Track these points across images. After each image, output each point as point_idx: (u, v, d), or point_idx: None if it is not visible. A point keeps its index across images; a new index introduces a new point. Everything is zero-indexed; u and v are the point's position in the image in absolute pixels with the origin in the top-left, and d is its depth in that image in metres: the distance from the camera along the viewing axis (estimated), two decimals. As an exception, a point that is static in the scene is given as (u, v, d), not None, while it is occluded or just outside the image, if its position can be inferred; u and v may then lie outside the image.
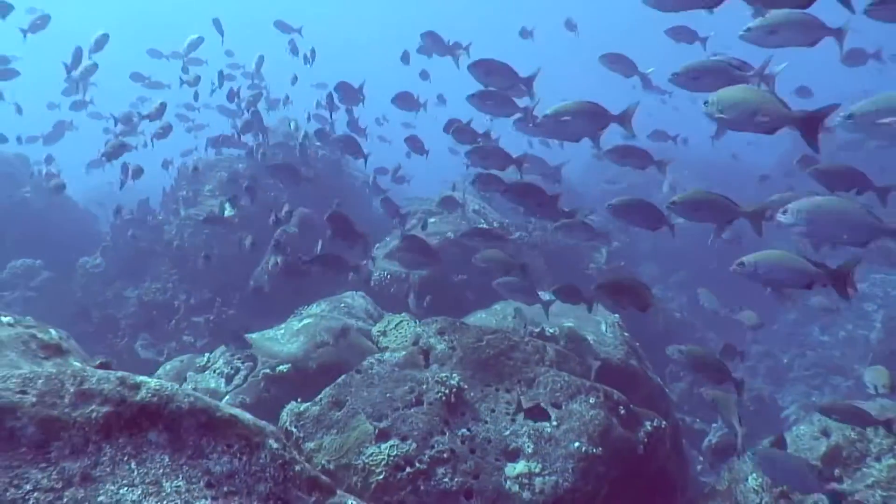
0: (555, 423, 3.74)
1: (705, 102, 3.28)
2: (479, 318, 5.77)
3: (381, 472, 3.44)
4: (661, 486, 4.25)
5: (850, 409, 3.64)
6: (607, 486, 3.67)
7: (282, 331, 5.68)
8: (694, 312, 10.41)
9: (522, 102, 4.87)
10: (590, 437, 3.66)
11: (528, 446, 3.63)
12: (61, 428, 1.79)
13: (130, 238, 9.30)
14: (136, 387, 1.96)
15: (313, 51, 8.64)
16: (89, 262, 9.40)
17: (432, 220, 8.36)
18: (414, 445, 3.55)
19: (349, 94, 6.93)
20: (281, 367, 5.04)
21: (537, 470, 3.51)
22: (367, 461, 3.49)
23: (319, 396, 3.92)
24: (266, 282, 8.36)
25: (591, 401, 3.85)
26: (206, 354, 5.60)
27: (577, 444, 3.62)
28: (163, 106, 7.17)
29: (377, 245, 8.48)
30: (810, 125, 2.99)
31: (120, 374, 1.99)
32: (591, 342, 5.15)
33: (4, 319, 2.40)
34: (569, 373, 4.08)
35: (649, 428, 4.00)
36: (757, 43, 3.61)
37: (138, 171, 7.14)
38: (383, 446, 3.55)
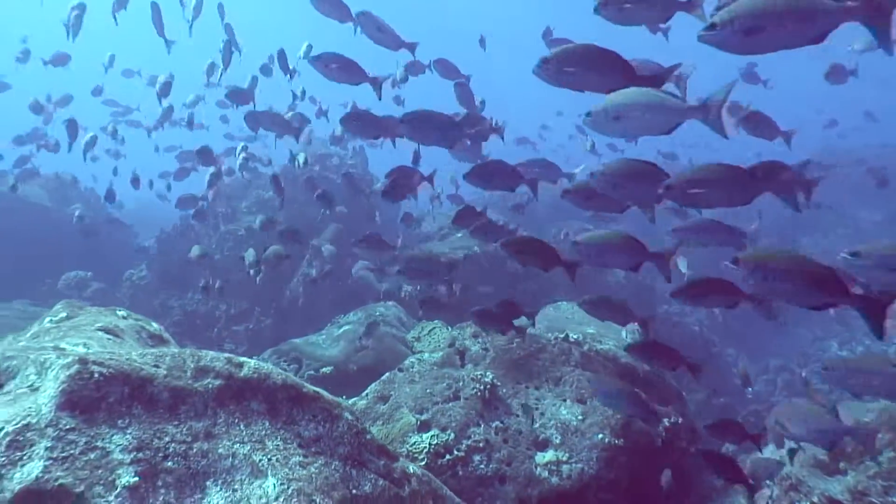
0: (580, 417, 4.12)
1: (587, 114, 2.96)
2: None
3: (423, 459, 3.84)
4: (678, 480, 4.59)
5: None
6: (628, 476, 4.02)
7: (323, 336, 6.12)
8: (713, 327, 10.69)
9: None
10: (612, 430, 4.04)
11: (556, 437, 4.01)
12: (186, 395, 2.23)
13: (166, 253, 9.89)
14: (240, 365, 2.40)
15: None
16: (135, 274, 9.98)
17: (458, 234, 8.81)
18: (452, 435, 3.95)
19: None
20: (325, 369, 5.48)
21: (564, 458, 3.89)
22: (410, 449, 3.89)
23: (366, 392, 4.34)
24: (301, 293, 8.84)
25: (613, 397, 4.21)
26: (254, 358, 6.06)
27: (600, 435, 3.99)
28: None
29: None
30: (709, 113, 2.80)
31: (226, 354, 2.44)
32: (613, 348, 5.51)
33: (120, 313, 2.87)
34: (592, 372, 4.45)
35: (667, 423, 4.36)
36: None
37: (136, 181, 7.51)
38: (425, 436, 3.95)
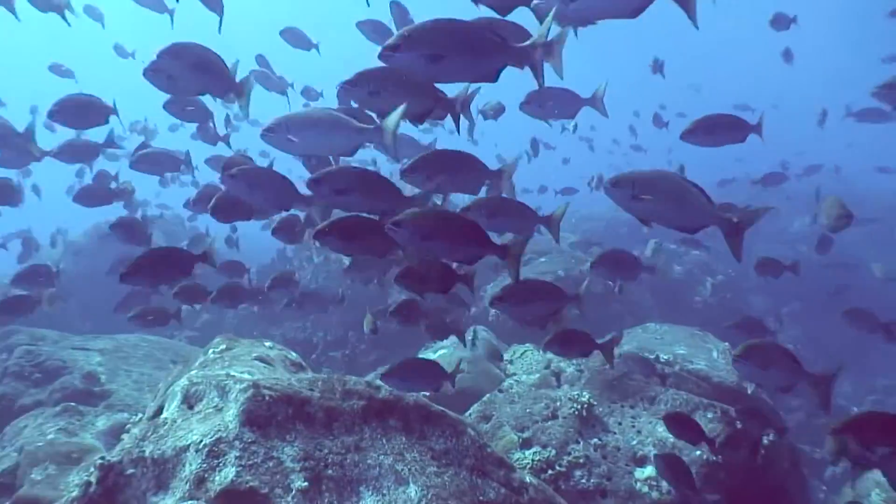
0: (676, 435, 4.28)
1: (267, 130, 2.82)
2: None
3: (527, 472, 4.11)
4: (780, 501, 4.63)
5: None
6: (728, 493, 4.14)
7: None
8: (809, 346, 10.38)
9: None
10: (710, 448, 4.17)
11: (654, 454, 4.18)
12: (338, 414, 2.63)
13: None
14: (378, 388, 2.79)
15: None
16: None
17: (542, 259, 9.07)
18: (553, 452, 4.20)
19: None
20: (423, 392, 5.84)
21: (663, 474, 4.06)
22: (514, 464, 4.17)
23: (469, 412, 4.66)
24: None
25: (710, 416, 4.37)
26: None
27: (698, 452, 4.15)
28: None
29: (492, 283, 9.28)
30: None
31: (365, 379, 2.83)
32: (704, 367, 5.61)
33: (266, 344, 3.34)
34: (687, 392, 4.61)
35: (766, 442, 4.44)
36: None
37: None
38: (527, 452, 4.23)
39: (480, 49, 2.40)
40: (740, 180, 13.88)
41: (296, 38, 6.34)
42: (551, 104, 4.03)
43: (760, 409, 4.57)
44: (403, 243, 2.63)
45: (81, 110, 4.12)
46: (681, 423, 3.72)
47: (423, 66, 2.36)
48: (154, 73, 3.05)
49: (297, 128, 2.73)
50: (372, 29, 4.92)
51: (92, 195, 5.31)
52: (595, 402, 4.52)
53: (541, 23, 2.50)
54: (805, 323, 11.02)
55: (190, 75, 3.09)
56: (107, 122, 4.28)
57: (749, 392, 4.96)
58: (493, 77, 2.48)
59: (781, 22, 7.15)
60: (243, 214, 3.61)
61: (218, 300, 4.73)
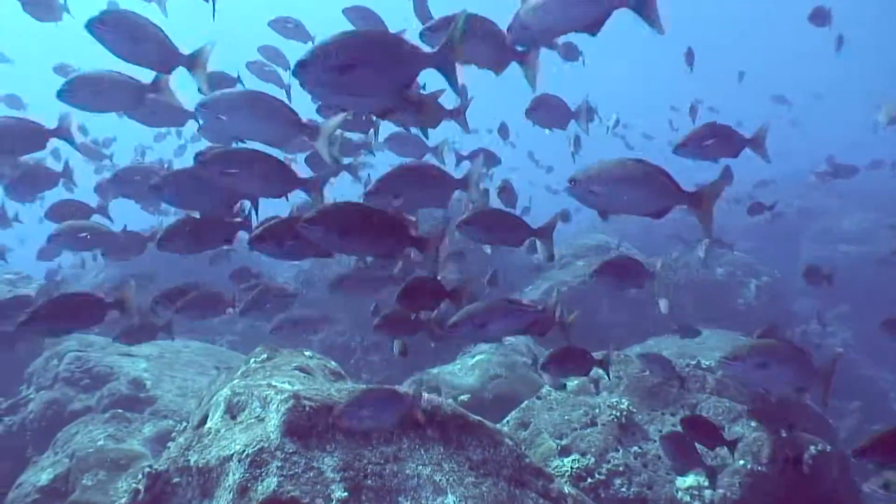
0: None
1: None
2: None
3: (565, 482, 4.07)
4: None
5: None
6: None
7: (458, 366, 6.52)
8: (860, 347, 10.05)
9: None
10: (755, 457, 4.08)
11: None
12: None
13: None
14: (417, 397, 2.80)
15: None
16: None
17: (580, 262, 9.00)
18: (592, 460, 4.16)
19: None
20: (462, 397, 5.85)
21: (706, 483, 3.98)
22: (553, 472, 4.14)
23: (507, 419, 4.65)
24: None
25: (753, 424, 4.26)
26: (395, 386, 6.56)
27: (742, 461, 4.05)
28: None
29: (527, 288, 9.24)
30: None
31: (404, 389, 2.85)
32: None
33: (307, 353, 3.40)
34: (729, 399, 4.51)
35: (814, 451, 4.31)
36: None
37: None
38: (566, 460, 4.19)
39: (393, 57, 2.35)
40: (786, 177, 13.47)
41: (286, 28, 5.80)
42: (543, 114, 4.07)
43: (803, 418, 4.45)
44: (318, 241, 2.48)
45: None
46: (697, 427, 3.59)
47: (335, 77, 2.30)
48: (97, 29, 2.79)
49: (231, 108, 2.63)
50: (359, 16, 4.60)
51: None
52: (634, 410, 4.46)
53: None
54: (856, 326, 10.66)
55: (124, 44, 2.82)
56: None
57: (796, 400, 4.83)
58: (410, 83, 2.44)
59: (820, 17, 6.93)
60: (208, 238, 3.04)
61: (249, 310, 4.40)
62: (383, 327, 3.19)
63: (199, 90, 3.07)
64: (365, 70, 2.30)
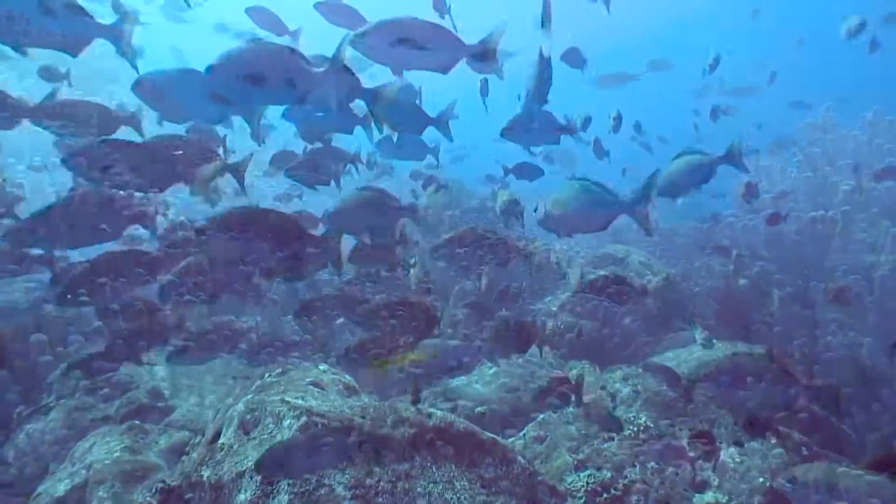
0: (738, 460, 4.12)
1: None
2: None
3: (581, 497, 4.03)
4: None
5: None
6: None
7: (475, 377, 6.49)
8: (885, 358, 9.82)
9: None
10: (773, 474, 3.99)
11: (714, 479, 4.04)
12: (388, 441, 2.65)
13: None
14: (429, 415, 2.79)
15: None
16: (297, 319, 11.02)
17: (602, 271, 8.91)
18: (609, 475, 4.10)
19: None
20: (479, 409, 5.82)
21: (724, 500, 3.91)
22: (568, 487, 4.09)
23: (523, 432, 4.61)
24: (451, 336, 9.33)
25: (773, 440, 4.18)
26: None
27: (761, 479, 3.97)
28: None
29: (547, 298, 9.18)
30: None
31: (416, 406, 2.84)
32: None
33: (321, 367, 3.40)
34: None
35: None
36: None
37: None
38: (582, 474, 4.14)
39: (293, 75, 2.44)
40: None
41: (264, 18, 5.43)
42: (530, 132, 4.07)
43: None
44: (215, 251, 2.51)
45: None
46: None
47: (243, 86, 2.39)
48: None
49: (167, 86, 2.68)
50: (330, 10, 4.46)
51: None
52: (652, 425, 4.40)
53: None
54: (884, 336, 10.42)
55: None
56: None
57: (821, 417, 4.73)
58: (303, 100, 2.51)
59: (854, 29, 6.76)
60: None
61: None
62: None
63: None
64: (270, 83, 2.43)
